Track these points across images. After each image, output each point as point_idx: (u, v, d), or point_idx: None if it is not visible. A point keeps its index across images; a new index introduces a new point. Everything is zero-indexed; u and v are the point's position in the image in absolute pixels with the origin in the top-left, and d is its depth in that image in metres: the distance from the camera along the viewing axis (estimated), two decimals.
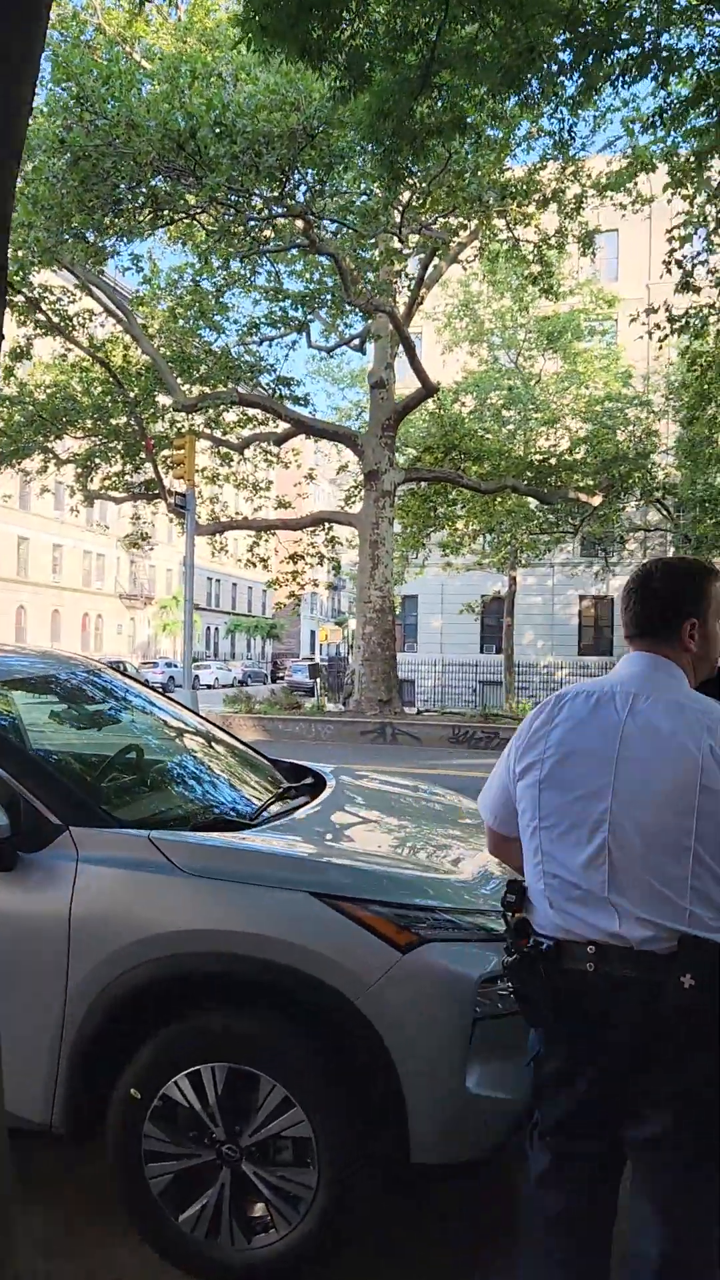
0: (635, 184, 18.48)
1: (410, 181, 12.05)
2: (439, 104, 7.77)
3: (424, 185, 12.60)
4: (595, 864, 1.85)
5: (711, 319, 14.06)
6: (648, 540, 32.33)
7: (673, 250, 12.29)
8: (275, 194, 12.27)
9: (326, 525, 22.20)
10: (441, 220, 14.93)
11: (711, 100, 6.27)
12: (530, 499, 22.79)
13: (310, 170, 11.92)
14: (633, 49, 6.20)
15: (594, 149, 16.79)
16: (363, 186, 12.58)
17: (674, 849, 1.78)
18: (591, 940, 1.83)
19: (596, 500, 21.24)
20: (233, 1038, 2.57)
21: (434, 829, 3.87)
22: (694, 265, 12.37)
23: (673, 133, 8.85)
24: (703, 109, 6.49)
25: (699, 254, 12.53)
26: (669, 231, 12.32)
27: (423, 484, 22.10)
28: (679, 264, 12.24)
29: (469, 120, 7.84)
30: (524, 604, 33.44)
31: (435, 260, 18.24)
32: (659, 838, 1.80)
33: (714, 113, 6.34)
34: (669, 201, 13.06)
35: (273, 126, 10.75)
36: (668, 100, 6.52)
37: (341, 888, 2.66)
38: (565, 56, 6.49)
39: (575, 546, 32.21)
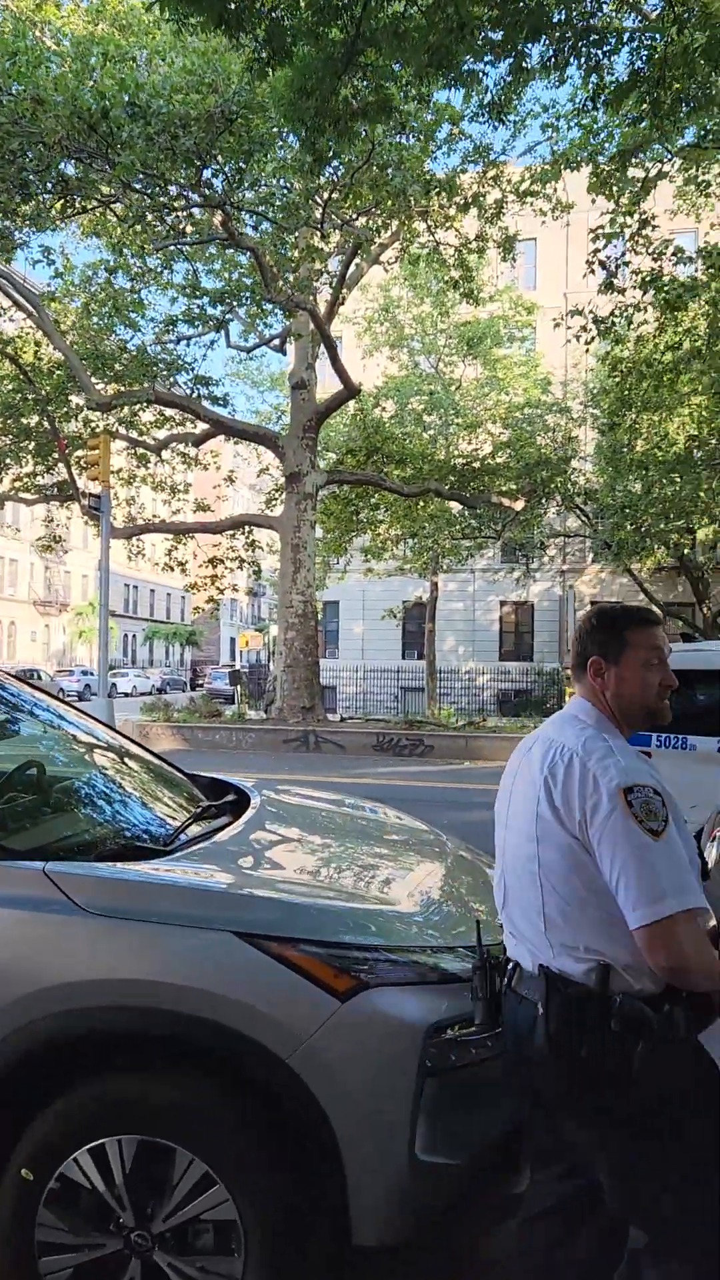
0: (555, 190, 18.68)
1: (332, 171, 11.75)
2: (364, 85, 7.47)
3: (347, 178, 12.30)
4: (499, 887, 2.07)
5: (635, 323, 14.12)
6: (568, 546, 32.69)
7: (596, 251, 12.23)
8: (192, 181, 11.79)
9: (247, 529, 21.74)
10: (363, 218, 14.64)
11: (645, 86, 6.10)
12: (453, 503, 22.70)
13: (229, 159, 11.48)
14: (565, 30, 5.98)
15: (515, 153, 16.71)
16: (282, 182, 12.22)
17: (527, 875, 1.92)
18: (513, 959, 2.00)
19: (519, 505, 21.24)
20: (144, 1105, 2.20)
21: (364, 848, 3.56)
22: (617, 266, 12.33)
23: (601, 118, 8.69)
24: (634, 98, 6.31)
25: (621, 254, 12.51)
26: (592, 232, 12.26)
27: (345, 487, 21.81)
28: (602, 265, 12.18)
29: (395, 105, 7.53)
30: (446, 610, 33.41)
31: (357, 259, 17.99)
32: (517, 864, 1.96)
33: (647, 99, 6.17)
34: (593, 201, 13.03)
35: (189, 108, 10.30)
36: (598, 86, 6.32)
37: (270, 925, 2.30)
38: (496, 35, 6.23)
39: (496, 552, 32.32)
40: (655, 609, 2.54)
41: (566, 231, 32.33)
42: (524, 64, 6.37)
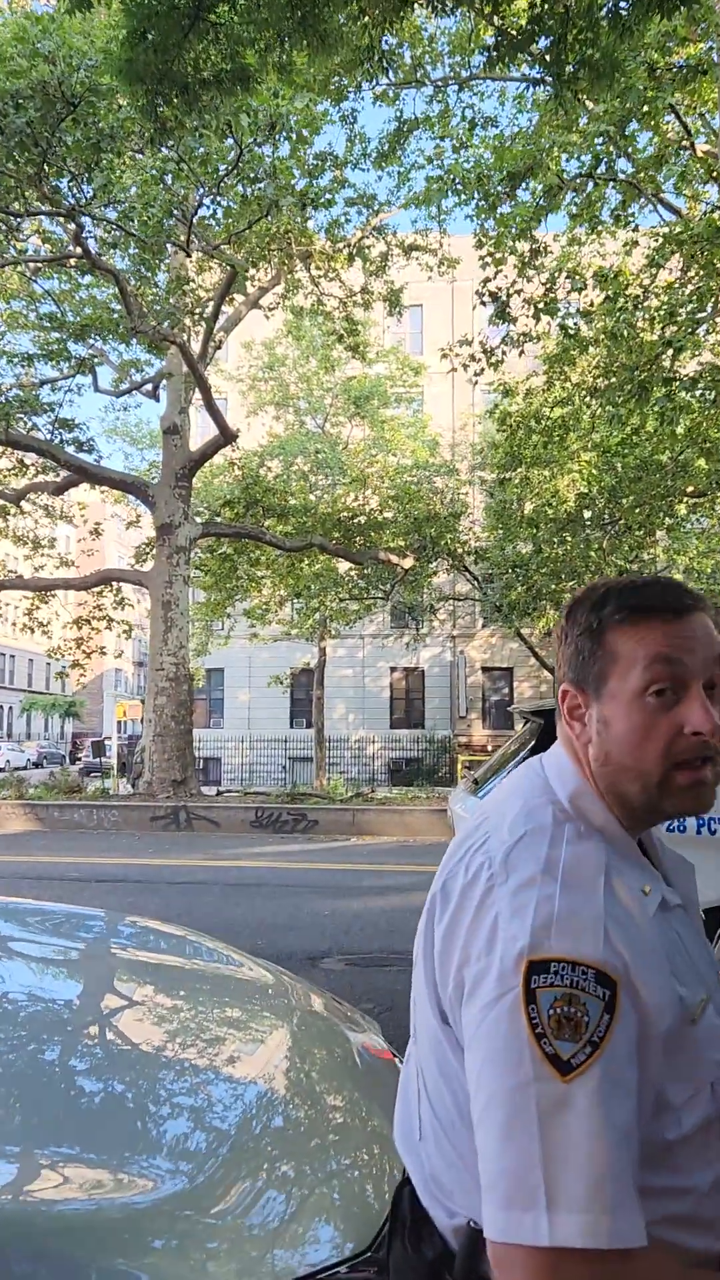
0: (441, 245, 18.33)
1: (192, 173, 10.68)
2: (216, 50, 6.37)
3: (213, 184, 11.24)
4: None
5: (524, 378, 13.56)
6: (458, 610, 32.05)
7: (486, 280, 11.47)
8: (32, 172, 10.42)
9: (116, 586, 20.09)
10: (236, 245, 13.61)
11: (548, 38, 5.17)
12: (339, 562, 21.66)
13: (73, 152, 10.19)
14: None
15: (398, 203, 16.16)
16: (135, 190, 11.05)
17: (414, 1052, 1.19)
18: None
19: (407, 562, 20.30)
20: None
21: (205, 1032, 2.17)
22: (508, 296, 11.59)
23: (492, 133, 7.85)
24: (534, 51, 5.36)
25: (513, 283, 11.78)
26: (481, 259, 11.51)
27: (223, 543, 20.49)
28: (493, 295, 11.42)
29: (253, 75, 6.42)
30: (334, 676, 32.22)
31: (236, 300, 17.01)
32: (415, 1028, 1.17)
33: (549, 53, 5.24)
34: (482, 265, 12.39)
35: (22, 83, 9.03)
36: (498, 40, 5.37)
37: None
38: None
39: (385, 616, 31.51)
40: (680, 583, 1.07)
41: (452, 294, 32.64)
42: (402, 13, 5.34)
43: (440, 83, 13.83)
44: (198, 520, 18.76)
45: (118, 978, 2.44)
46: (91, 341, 16.65)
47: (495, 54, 5.22)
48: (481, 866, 1.02)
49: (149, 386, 18.63)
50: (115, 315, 14.51)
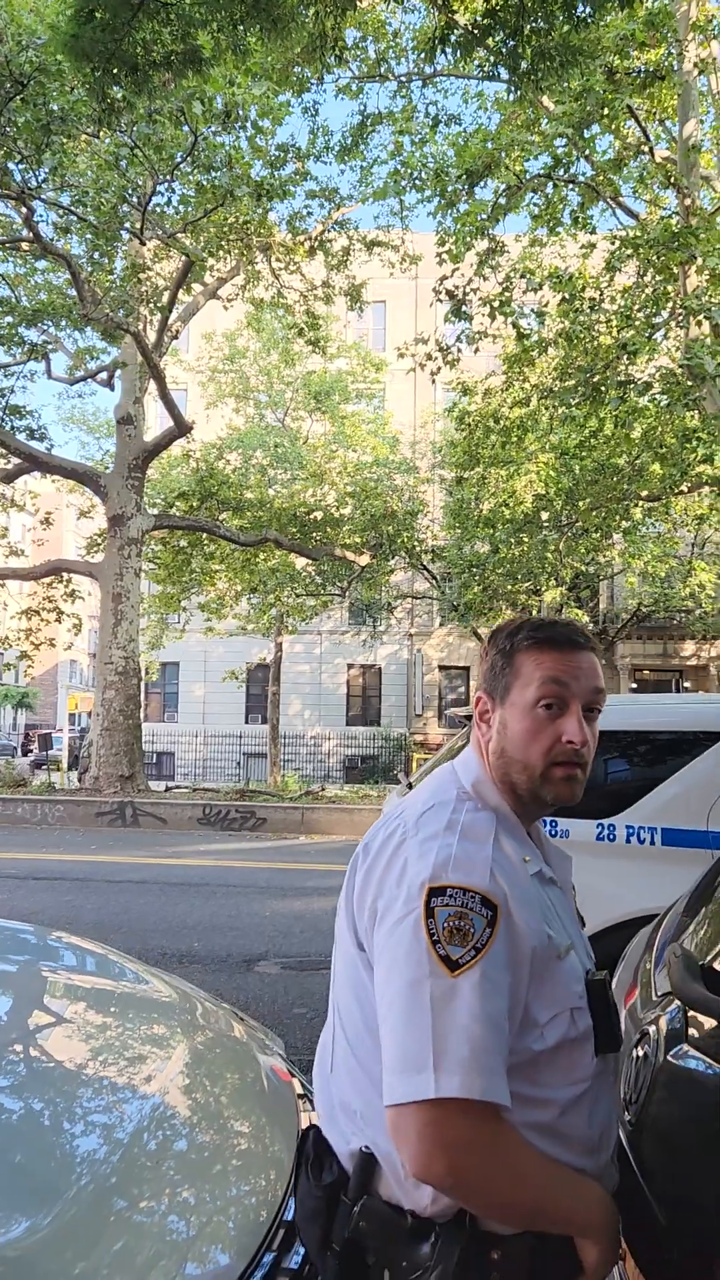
0: (403, 241, 18.27)
1: (147, 159, 10.46)
2: (167, 31, 6.22)
3: (167, 171, 11.04)
4: None
5: (483, 376, 13.53)
6: (415, 608, 32.06)
7: (444, 278, 11.40)
8: None
9: (67, 577, 19.76)
10: (192, 234, 13.40)
11: (504, 32, 5.09)
12: (296, 558, 21.52)
13: (23, 134, 9.92)
14: None
15: (361, 196, 16.09)
16: (91, 174, 10.82)
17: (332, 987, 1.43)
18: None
19: (364, 560, 20.20)
20: None
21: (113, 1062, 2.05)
22: (464, 294, 11.53)
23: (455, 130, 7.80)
24: (492, 46, 5.28)
25: (469, 281, 11.72)
26: (438, 255, 11.44)
27: (177, 535, 20.25)
28: (449, 294, 11.36)
29: (204, 56, 6.28)
30: (291, 672, 32.07)
31: (194, 289, 16.79)
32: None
33: (506, 46, 5.16)
34: (439, 261, 12.33)
35: None
36: (446, 25, 5.29)
37: None
38: None
39: (343, 613, 31.42)
40: (580, 625, 1.37)
41: (415, 292, 32.60)
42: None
43: (404, 78, 13.75)
44: (151, 512, 18.51)
45: (11, 994, 2.33)
46: (45, 327, 16.35)
47: (449, 48, 5.13)
48: (397, 828, 1.28)
49: (104, 375, 18.34)
50: (69, 301, 14.23)
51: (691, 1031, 1.48)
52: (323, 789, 19.89)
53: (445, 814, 1.25)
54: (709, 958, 1.64)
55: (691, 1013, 1.50)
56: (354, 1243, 1.20)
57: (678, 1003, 1.56)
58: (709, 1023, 1.43)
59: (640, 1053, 1.60)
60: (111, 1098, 1.78)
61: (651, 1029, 1.59)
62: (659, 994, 1.73)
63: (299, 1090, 2.11)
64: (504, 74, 5.54)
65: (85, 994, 2.36)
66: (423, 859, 1.19)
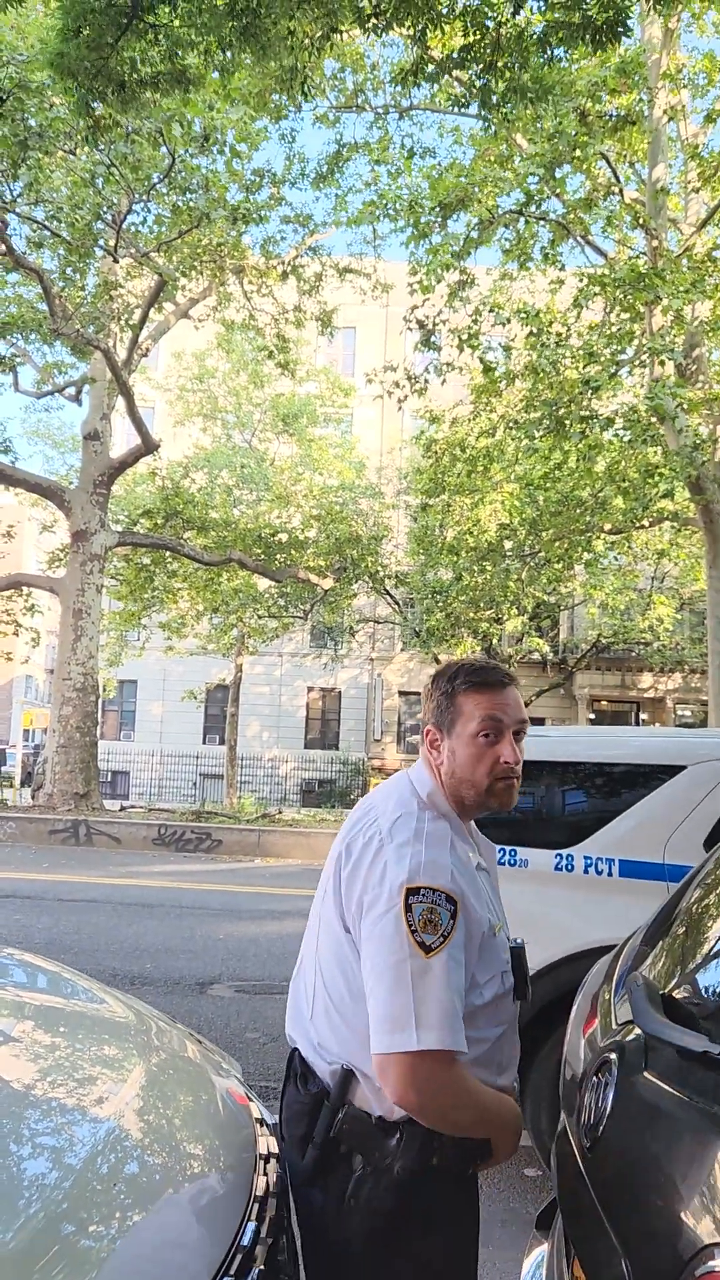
0: (375, 269, 18.47)
1: (123, 178, 10.49)
2: (154, 51, 6.28)
3: (143, 190, 11.07)
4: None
5: (451, 406, 13.68)
6: (376, 633, 32.12)
7: (414, 308, 11.54)
8: None
9: (26, 591, 19.55)
10: (165, 253, 13.43)
11: (478, 65, 5.21)
12: (259, 578, 21.50)
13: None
14: None
15: (339, 238, 16.25)
16: (66, 190, 10.82)
17: (310, 951, 1.84)
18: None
19: (327, 583, 20.22)
20: None
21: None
22: (434, 324, 11.67)
23: (431, 161, 7.93)
24: (464, 80, 5.39)
25: (440, 312, 11.87)
26: (410, 285, 11.58)
27: (140, 552, 20.15)
28: (420, 324, 11.49)
29: (190, 77, 6.34)
30: (250, 693, 31.91)
31: (165, 308, 16.82)
32: (311, 933, 1.87)
33: (480, 78, 5.28)
34: (411, 291, 12.49)
35: None
36: (422, 58, 5.39)
37: None
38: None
39: (305, 635, 31.36)
40: (506, 668, 1.80)
41: (386, 319, 32.92)
42: (337, 28, 5.32)
43: (381, 109, 13.97)
44: (115, 528, 18.41)
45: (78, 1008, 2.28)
46: (13, 340, 16.26)
47: (425, 79, 5.23)
48: (374, 834, 1.63)
49: (72, 390, 18.27)
50: (40, 315, 14.20)
51: (651, 1060, 1.50)
52: (280, 811, 19.80)
53: (412, 823, 1.61)
54: (668, 987, 1.66)
55: (651, 1042, 1.52)
56: (333, 1138, 1.62)
57: (637, 1031, 1.58)
58: (668, 1052, 1.45)
59: (600, 1081, 1.62)
60: (62, 1120, 1.75)
61: (612, 1057, 1.61)
62: (619, 1023, 1.75)
63: (256, 1114, 2.09)
64: (476, 107, 5.65)
65: (36, 1012, 2.31)
66: (400, 864, 1.55)
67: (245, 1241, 1.51)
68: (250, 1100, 2.17)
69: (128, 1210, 1.50)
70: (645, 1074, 1.48)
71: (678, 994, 1.62)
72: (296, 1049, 1.79)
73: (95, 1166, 1.59)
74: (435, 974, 1.49)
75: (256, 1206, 1.69)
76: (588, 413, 11.10)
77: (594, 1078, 1.65)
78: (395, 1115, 1.57)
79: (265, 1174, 1.85)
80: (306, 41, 5.45)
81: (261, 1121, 2.06)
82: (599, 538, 17.43)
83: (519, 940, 1.76)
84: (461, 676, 1.72)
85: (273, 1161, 1.88)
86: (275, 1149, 1.93)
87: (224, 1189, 1.71)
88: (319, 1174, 1.64)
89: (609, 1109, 1.51)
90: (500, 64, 5.21)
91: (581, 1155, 1.56)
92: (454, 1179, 1.61)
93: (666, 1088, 1.41)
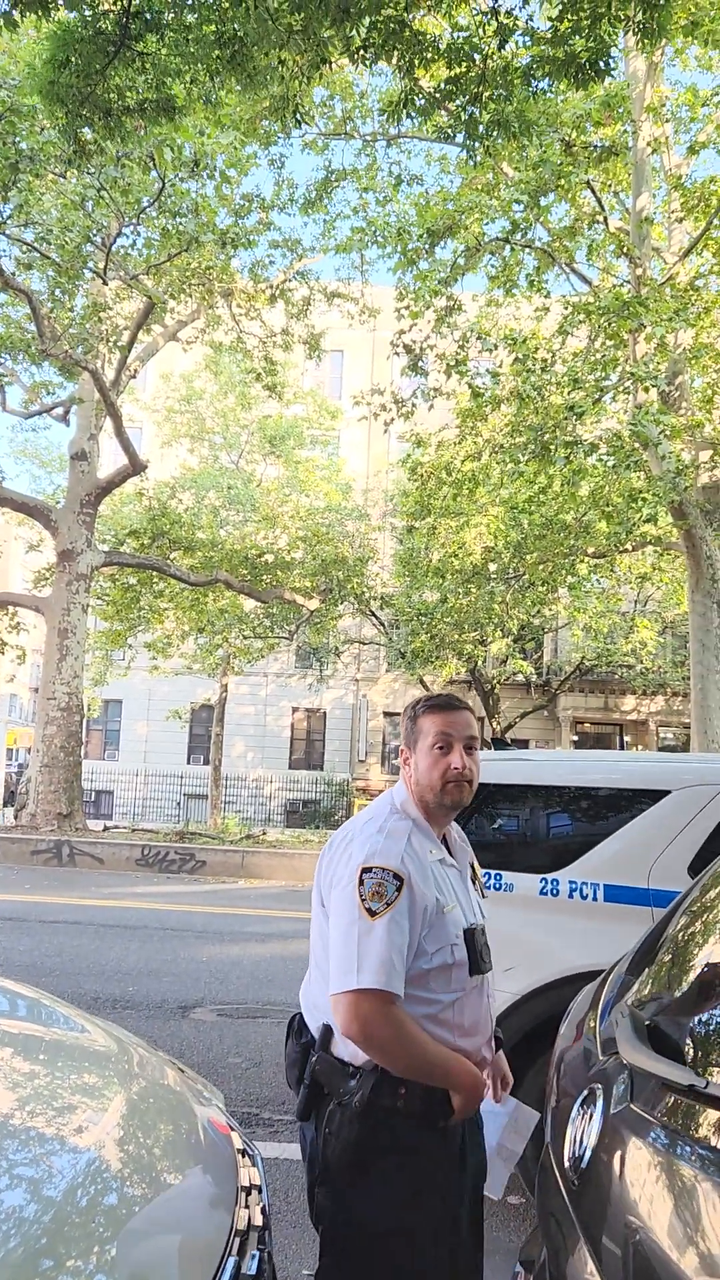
0: (362, 294, 18.62)
1: (113, 201, 10.55)
2: (142, 79, 6.33)
3: (133, 213, 11.13)
4: None
5: (437, 430, 13.76)
6: (362, 654, 32.12)
7: (401, 333, 11.62)
8: None
9: (11, 609, 19.46)
10: (154, 276, 13.50)
11: (464, 98, 5.28)
12: (245, 599, 21.48)
13: None
14: (373, 19, 5.06)
15: (324, 247, 16.38)
16: (56, 213, 10.88)
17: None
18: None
19: (313, 604, 20.22)
20: None
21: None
22: (421, 349, 11.76)
23: (417, 190, 7.99)
24: (452, 110, 5.47)
25: (427, 338, 11.96)
26: (397, 310, 11.66)
27: (127, 572, 20.12)
28: (407, 349, 11.57)
29: (178, 106, 6.39)
30: (235, 713, 31.81)
31: (153, 329, 16.88)
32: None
33: (464, 111, 5.35)
34: (398, 316, 12.59)
35: None
36: (410, 90, 5.46)
37: None
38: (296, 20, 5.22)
39: (290, 656, 31.32)
40: (459, 697, 2.27)
41: (373, 343, 33.13)
42: (325, 59, 5.39)
43: (369, 137, 14.12)
44: (102, 548, 18.39)
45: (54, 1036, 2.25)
46: (1, 360, 16.28)
47: (413, 111, 5.30)
48: (351, 832, 2.03)
49: (59, 410, 18.27)
50: (28, 336, 14.22)
51: (636, 1093, 1.50)
52: (264, 832, 19.71)
53: (378, 823, 2.01)
54: (654, 1017, 1.66)
55: (636, 1074, 1.52)
56: (315, 1080, 1.96)
57: (623, 1063, 1.57)
58: (654, 1084, 1.45)
59: (585, 1112, 1.61)
60: (41, 1150, 1.72)
61: (597, 1088, 1.60)
62: (604, 1053, 1.74)
63: (238, 1145, 2.06)
64: (461, 138, 5.73)
65: (14, 1040, 2.29)
66: (361, 850, 1.94)
67: (227, 1277, 1.49)
68: (232, 1130, 2.14)
69: (106, 1244, 1.48)
70: (631, 1106, 1.48)
71: (663, 1025, 1.62)
72: (299, 1012, 2.16)
73: (74, 1199, 1.56)
74: (378, 933, 1.84)
75: (238, 1241, 1.67)
76: (572, 438, 11.19)
77: (579, 1109, 1.64)
78: (359, 1060, 1.90)
79: (247, 1206, 1.83)
80: (296, 70, 5.50)
81: (244, 1152, 2.04)
82: (583, 561, 17.51)
83: (475, 921, 2.05)
84: (422, 704, 2.12)
85: (254, 1194, 1.86)
86: (257, 1180, 1.91)
87: (205, 1222, 1.69)
88: (307, 1110, 1.98)
89: (594, 1141, 1.50)
90: (485, 96, 5.29)
91: (566, 1187, 1.55)
92: (420, 1123, 1.88)
93: (652, 1121, 1.41)
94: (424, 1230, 1.87)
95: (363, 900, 1.86)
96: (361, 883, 1.87)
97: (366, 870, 1.88)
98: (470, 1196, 1.99)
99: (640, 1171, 1.36)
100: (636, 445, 11.11)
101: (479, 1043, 2.01)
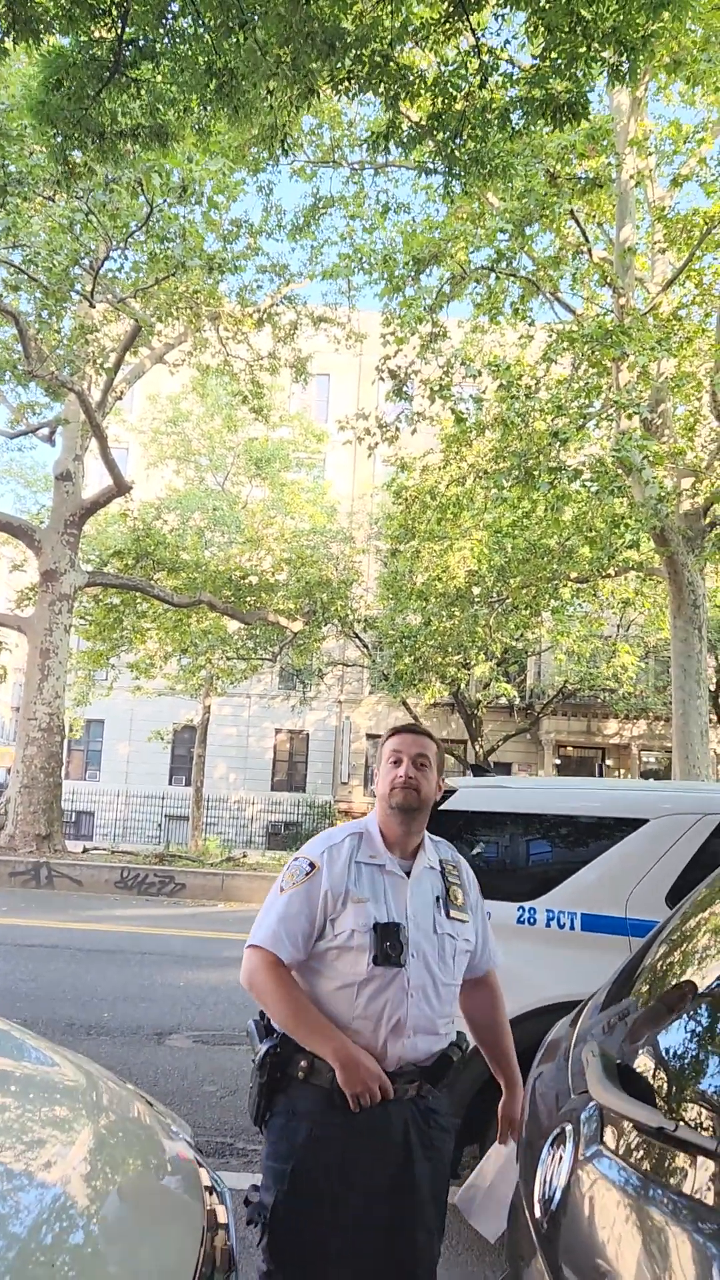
0: (349, 319, 18.75)
1: (101, 225, 10.61)
2: (135, 105, 6.38)
3: (121, 237, 11.19)
4: None
5: (422, 454, 13.84)
6: (345, 676, 32.08)
7: (387, 358, 11.71)
8: None
9: None
10: (142, 299, 13.57)
11: (446, 133, 5.35)
12: (228, 620, 21.45)
13: None
14: (359, 52, 5.14)
15: (311, 272, 16.51)
16: (44, 235, 10.92)
17: None
18: None
19: (296, 626, 20.21)
20: None
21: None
22: (406, 375, 11.84)
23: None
24: (435, 143, 5.54)
25: (412, 363, 12.04)
26: (383, 336, 11.75)
27: (110, 593, 20.07)
28: (392, 374, 11.65)
29: (170, 132, 6.45)
30: (218, 734, 31.67)
31: (140, 352, 16.94)
32: None
33: (447, 147, 5.42)
34: (384, 341, 12.68)
35: None
36: (394, 123, 5.53)
37: None
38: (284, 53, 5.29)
39: (273, 677, 31.24)
40: (419, 723, 1.82)
41: (359, 367, 33.30)
42: (314, 89, 5.45)
43: (357, 165, 14.28)
44: (85, 568, 18.35)
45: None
46: None
47: (399, 143, 5.37)
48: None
49: (45, 430, 18.27)
50: (15, 356, 14.25)
51: (607, 1133, 1.48)
52: (244, 855, 19.59)
53: (336, 832, 2.34)
54: (626, 1056, 1.65)
55: (607, 1114, 1.50)
56: (262, 1045, 2.23)
57: (594, 1103, 1.56)
58: (625, 1125, 1.43)
59: (555, 1153, 1.59)
60: (6, 1185, 1.70)
61: (568, 1128, 1.59)
62: (576, 1092, 1.73)
63: (206, 1181, 2.04)
64: (441, 170, 5.80)
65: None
66: (305, 847, 2.34)
67: None
68: (200, 1165, 2.12)
69: None
70: (600, 1147, 1.46)
71: (636, 1064, 1.61)
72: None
73: (39, 1236, 1.54)
74: (279, 904, 2.24)
75: (205, 1277, 1.64)
76: (556, 464, 11.28)
77: (549, 1149, 1.62)
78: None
79: (214, 1243, 1.81)
80: (285, 100, 5.56)
81: (211, 1189, 2.01)
82: (566, 585, 17.60)
83: (397, 921, 2.20)
84: (389, 731, 2.44)
85: (220, 1232, 1.84)
86: (223, 1218, 1.88)
87: (170, 1258, 1.66)
88: (257, 1070, 2.24)
89: (564, 1182, 1.48)
90: (465, 133, 5.37)
91: (535, 1229, 1.53)
92: (322, 1094, 2.11)
93: (622, 1164, 1.39)
94: (301, 1191, 2.07)
95: (280, 879, 2.29)
96: (285, 866, 2.31)
97: (295, 858, 2.31)
98: (409, 1198, 2.10)
99: (609, 1214, 1.34)
100: (619, 472, 11.20)
101: (382, 1032, 2.14)
